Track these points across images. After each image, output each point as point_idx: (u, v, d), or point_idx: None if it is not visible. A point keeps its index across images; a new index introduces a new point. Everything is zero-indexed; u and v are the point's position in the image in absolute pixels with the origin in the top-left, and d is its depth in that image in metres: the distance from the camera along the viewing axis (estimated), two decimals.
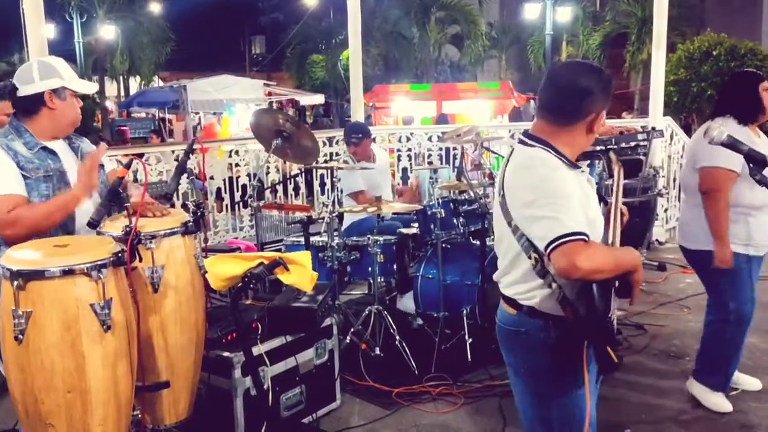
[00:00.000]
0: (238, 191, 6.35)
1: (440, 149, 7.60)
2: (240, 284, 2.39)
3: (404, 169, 7.96)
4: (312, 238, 4.45)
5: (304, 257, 2.48)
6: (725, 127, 3.17)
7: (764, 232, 3.27)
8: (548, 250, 1.79)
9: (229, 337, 3.08)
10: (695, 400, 3.54)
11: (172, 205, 3.05)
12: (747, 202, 3.21)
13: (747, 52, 12.39)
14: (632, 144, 6.39)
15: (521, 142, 2.04)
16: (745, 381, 3.69)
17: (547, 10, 19.79)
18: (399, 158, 7.80)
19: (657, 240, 7.06)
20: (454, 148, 6.82)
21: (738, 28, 17.63)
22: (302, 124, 4.55)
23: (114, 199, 2.36)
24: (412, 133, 7.81)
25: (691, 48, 12.75)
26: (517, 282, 2.01)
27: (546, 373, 1.99)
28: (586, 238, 1.79)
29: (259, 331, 3.14)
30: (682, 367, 4.04)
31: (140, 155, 5.48)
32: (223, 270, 2.41)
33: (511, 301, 2.04)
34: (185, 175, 2.94)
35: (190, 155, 3.03)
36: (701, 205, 3.29)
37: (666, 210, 7.21)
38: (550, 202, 1.84)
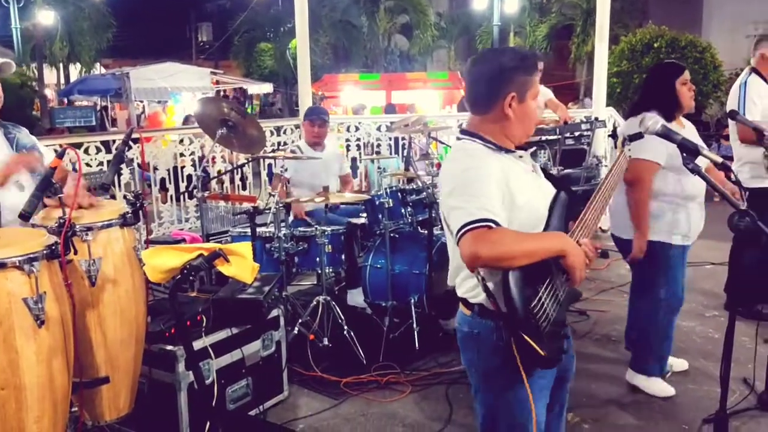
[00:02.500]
0: (183, 182, 6.23)
1: (389, 139, 7.62)
2: (179, 276, 2.33)
3: (353, 159, 7.95)
4: (259, 229, 4.40)
5: (245, 248, 2.44)
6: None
7: (692, 222, 3.34)
8: (457, 241, 1.78)
9: (172, 330, 3.02)
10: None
11: (113, 197, 2.97)
12: (675, 192, 3.27)
13: (687, 44, 12.78)
14: (576, 133, 6.59)
15: (456, 137, 2.06)
16: (673, 362, 3.81)
17: (495, 1, 19.97)
18: (348, 148, 7.79)
19: (600, 228, 7.23)
20: (403, 138, 6.84)
21: (679, 21, 18.14)
22: (248, 113, 4.48)
23: (46, 190, 2.28)
24: (360, 123, 7.81)
25: (633, 40, 13.08)
26: (465, 279, 1.99)
27: (496, 375, 1.96)
28: (492, 224, 1.75)
29: (204, 324, 3.10)
30: (622, 351, 4.14)
31: (79, 145, 5.32)
32: (162, 262, 2.35)
33: (464, 302, 2.02)
34: (125, 165, 2.85)
35: (129, 145, 2.94)
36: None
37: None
38: (463, 191, 1.82)
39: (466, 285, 1.99)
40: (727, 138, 10.61)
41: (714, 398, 2.65)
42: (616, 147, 2.34)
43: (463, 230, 1.76)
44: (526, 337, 1.75)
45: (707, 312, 4.66)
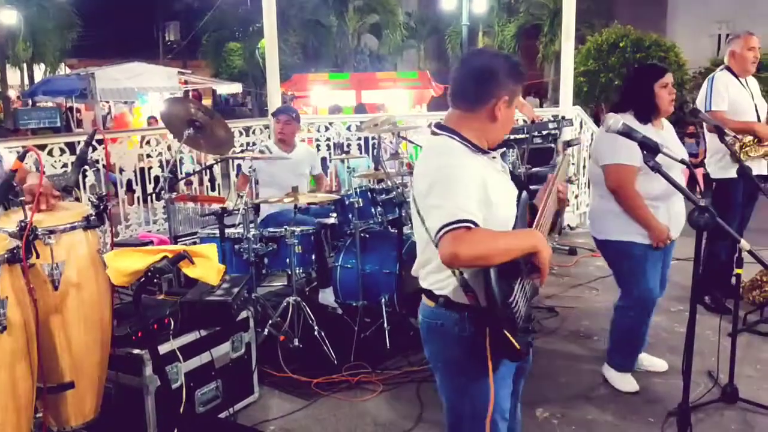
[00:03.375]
0: (150, 183, 6.15)
1: (359, 139, 7.62)
2: (143, 279, 2.30)
3: (323, 159, 7.93)
4: (227, 230, 4.37)
5: (210, 250, 2.42)
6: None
7: (665, 221, 3.34)
8: (436, 241, 1.81)
9: (138, 334, 2.98)
10: (603, 378, 3.70)
11: (77, 199, 2.92)
12: (646, 193, 3.28)
13: (652, 44, 13.00)
14: (544, 132, 6.66)
15: (432, 132, 2.06)
16: (651, 361, 3.87)
17: (464, 1, 20.07)
18: (318, 148, 7.78)
19: (568, 225, 7.32)
20: (373, 138, 6.84)
21: (644, 21, 18.46)
22: (215, 113, 4.43)
23: (7, 194, 2.23)
24: (331, 123, 7.79)
25: (599, 40, 13.27)
26: (431, 272, 2.02)
27: (460, 365, 2.00)
28: (471, 225, 1.79)
29: (172, 327, 3.06)
30: (590, 346, 4.22)
31: (43, 146, 5.22)
32: (125, 265, 2.32)
33: (428, 293, 2.04)
34: (89, 167, 2.81)
35: (94, 146, 2.90)
36: (607, 196, 3.37)
37: (577, 196, 7.48)
38: (442, 190, 1.85)
39: (432, 278, 2.02)
40: (691, 136, 10.84)
41: (680, 391, 2.70)
42: (557, 153, 2.44)
43: (442, 231, 1.79)
44: (506, 333, 1.79)
45: (673, 307, 4.74)
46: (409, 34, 25.52)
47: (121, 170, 5.85)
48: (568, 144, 2.51)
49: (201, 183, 6.42)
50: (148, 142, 6.14)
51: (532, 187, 6.15)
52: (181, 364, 3.06)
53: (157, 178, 6.08)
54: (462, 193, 1.84)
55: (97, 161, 5.27)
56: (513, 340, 1.80)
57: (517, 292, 1.87)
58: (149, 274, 2.30)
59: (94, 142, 2.98)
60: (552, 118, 6.84)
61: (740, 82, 4.53)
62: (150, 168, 6.22)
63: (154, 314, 3.07)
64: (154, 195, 5.86)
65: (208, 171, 6.46)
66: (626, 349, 3.64)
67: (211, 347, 3.25)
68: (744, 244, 2.02)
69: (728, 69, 4.57)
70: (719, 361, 3.55)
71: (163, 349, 2.99)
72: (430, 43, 26.57)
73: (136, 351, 2.93)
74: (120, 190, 5.94)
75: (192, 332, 3.17)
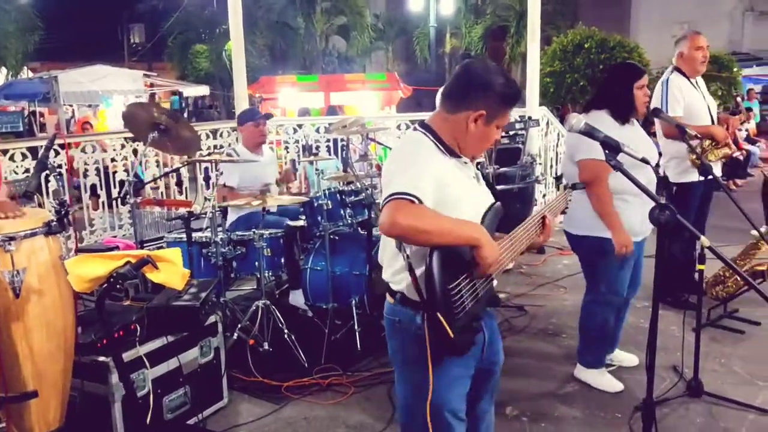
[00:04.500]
0: (115, 187, 6.05)
1: (328, 141, 7.60)
2: (106, 285, 2.26)
3: (293, 161, 7.90)
4: (195, 234, 4.32)
5: (174, 254, 2.39)
6: (599, 121, 3.34)
7: (638, 218, 3.33)
8: (381, 207, 1.86)
9: (104, 341, 2.93)
10: (572, 375, 3.74)
11: (40, 205, 2.86)
12: (622, 188, 3.28)
13: (616, 45, 13.18)
14: (511, 132, 6.71)
15: (414, 128, 2.12)
16: (623, 357, 3.92)
17: (431, 2, 20.19)
18: (287, 150, 7.74)
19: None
20: (342, 140, 6.83)
21: (608, 22, 18.76)
22: (180, 115, 4.38)
23: None
24: (300, 125, 7.77)
25: (564, 41, 13.41)
26: (390, 265, 2.05)
27: (415, 362, 2.00)
28: (416, 201, 1.82)
29: (138, 333, 3.02)
30: (559, 344, 4.26)
31: (4, 151, 5.10)
32: (87, 271, 2.28)
33: (389, 289, 2.07)
34: (50, 172, 2.75)
35: (56, 150, 2.84)
36: (583, 192, 3.38)
37: (544, 195, 7.56)
38: (400, 171, 1.90)
39: (390, 269, 2.05)
40: (655, 135, 11.03)
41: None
42: (558, 188, 2.45)
43: (387, 199, 1.84)
44: (439, 316, 1.80)
45: (638, 303, 4.81)
46: (377, 36, 25.53)
47: (85, 174, 5.74)
48: (574, 186, 2.50)
49: (168, 187, 6.32)
50: (113, 147, 6.04)
51: (499, 187, 6.27)
52: (148, 370, 3.02)
53: (122, 182, 5.99)
54: (416, 175, 1.88)
55: (60, 166, 5.17)
56: (446, 326, 1.81)
57: (462, 285, 1.89)
58: (112, 279, 2.26)
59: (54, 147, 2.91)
60: (519, 119, 6.90)
61: (691, 83, 4.59)
62: (115, 172, 6.12)
63: (119, 320, 3.03)
64: (119, 199, 5.77)
65: (174, 174, 6.37)
66: (596, 346, 3.68)
67: (179, 353, 3.22)
68: (704, 240, 2.06)
69: (678, 70, 4.62)
70: (684, 356, 3.61)
71: (130, 355, 2.95)
72: (398, 45, 26.61)
73: (102, 358, 2.88)
74: (84, 195, 5.83)
75: (159, 338, 3.13)
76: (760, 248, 4.68)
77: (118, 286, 2.27)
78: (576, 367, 3.75)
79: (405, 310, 2.00)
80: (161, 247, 4.37)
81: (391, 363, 2.17)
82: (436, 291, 1.81)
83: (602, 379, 3.65)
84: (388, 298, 2.09)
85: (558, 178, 2.44)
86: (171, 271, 2.35)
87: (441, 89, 2.12)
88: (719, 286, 4.72)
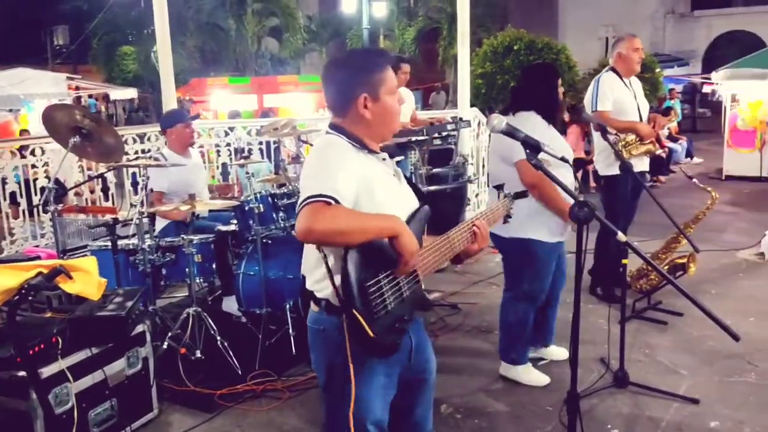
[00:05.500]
0: (36, 195, 5.81)
1: (260, 143, 7.51)
2: (17, 297, 2.16)
3: (224, 165, 7.76)
4: (121, 242, 4.19)
5: (90, 263, 2.31)
6: (529, 122, 3.40)
7: (559, 219, 3.43)
8: (296, 216, 1.79)
9: (30, 352, 2.80)
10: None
11: None
12: None
13: (544, 46, 13.49)
14: (443, 134, 6.79)
15: (326, 131, 2.05)
16: (554, 352, 4.00)
17: (364, 4, 20.21)
18: (218, 153, 7.61)
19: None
20: (275, 142, 6.76)
21: (537, 24, 19.23)
22: (103, 119, 4.24)
23: None
24: (231, 128, 7.65)
25: (495, 43, 13.64)
26: (313, 273, 1.98)
27: (341, 371, 1.93)
28: (331, 201, 1.76)
29: (60, 346, 2.90)
30: (492, 341, 4.32)
31: None
32: None
33: (313, 297, 2.00)
34: None
35: None
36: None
37: (477, 195, 7.67)
38: (314, 174, 1.85)
39: (313, 276, 1.99)
40: (585, 135, 11.35)
41: (578, 379, 2.81)
42: (499, 198, 2.46)
43: (302, 204, 1.78)
44: (356, 313, 1.74)
45: (569, 298, 4.92)
46: (310, 38, 25.40)
47: (4, 181, 5.49)
48: (517, 196, 2.50)
49: (92, 193, 6.11)
50: (33, 152, 5.81)
51: (432, 187, 6.32)
52: (72, 384, 2.91)
53: (43, 190, 5.75)
54: (331, 176, 1.82)
55: None
56: (365, 324, 1.75)
57: (383, 283, 1.83)
58: (23, 291, 2.16)
59: None
60: (450, 120, 6.98)
61: (624, 82, 4.79)
62: (36, 179, 5.88)
63: (40, 333, 2.91)
64: (40, 207, 5.55)
65: (99, 180, 6.16)
66: (518, 343, 3.73)
67: (105, 365, 3.12)
68: (621, 236, 2.12)
69: (613, 70, 4.81)
70: (610, 348, 3.73)
71: (52, 369, 2.84)
72: (332, 47, 26.54)
73: (21, 373, 2.76)
74: (3, 203, 5.57)
75: (83, 350, 3.02)
76: (680, 242, 4.88)
77: (29, 298, 2.16)
78: (501, 365, 3.80)
79: (329, 318, 1.93)
80: (86, 256, 4.22)
81: (316, 373, 2.10)
82: (352, 287, 1.76)
83: (528, 375, 3.72)
84: (313, 307, 2.02)
85: (498, 187, 2.44)
86: (86, 280, 2.26)
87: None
88: (643, 279, 4.90)
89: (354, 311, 1.75)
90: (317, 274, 1.95)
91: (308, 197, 1.77)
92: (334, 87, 1.98)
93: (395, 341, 1.88)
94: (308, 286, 2.01)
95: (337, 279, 1.81)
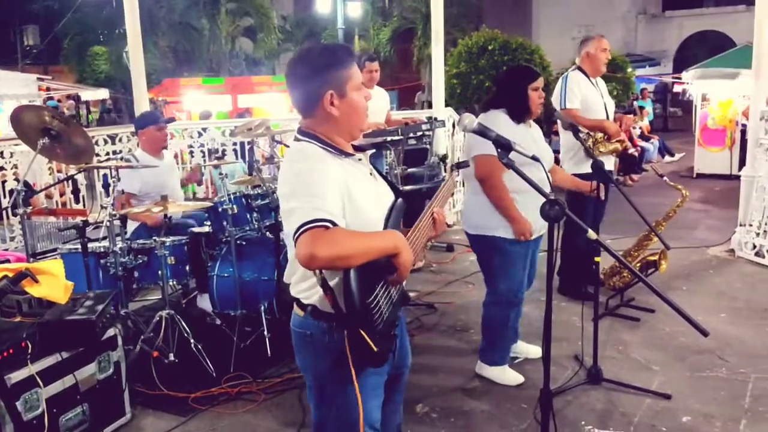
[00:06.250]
0: (5, 197, 5.71)
1: (234, 144, 7.46)
2: None
3: (198, 165, 7.70)
4: (92, 244, 4.12)
5: (56, 266, 2.27)
6: (497, 120, 3.44)
7: (533, 216, 3.41)
8: (294, 242, 1.75)
9: None
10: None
11: None
12: (516, 188, 3.40)
13: (518, 47, 13.55)
14: (418, 133, 6.81)
15: (294, 138, 2.00)
16: (528, 350, 4.03)
17: (338, 4, 20.20)
18: (192, 154, 7.55)
19: (446, 224, 7.51)
20: (249, 143, 6.72)
21: (511, 24, 19.36)
22: (72, 120, 4.18)
23: None
24: (205, 129, 7.59)
25: (469, 43, 13.67)
26: (299, 280, 1.96)
27: (329, 376, 1.94)
28: (329, 225, 1.73)
29: (29, 351, 2.85)
30: (467, 339, 4.35)
31: None
32: None
33: (298, 302, 1.98)
34: None
35: None
36: (480, 192, 3.49)
37: (452, 194, 7.70)
38: (301, 192, 1.79)
39: (300, 285, 1.96)
40: (557, 134, 11.45)
41: (551, 377, 2.83)
42: (445, 171, 2.46)
43: (300, 231, 1.73)
44: (362, 332, 1.75)
45: (542, 296, 4.96)
46: (285, 38, 25.30)
47: None
48: (458, 166, 2.49)
49: (62, 195, 6.01)
50: (1, 154, 5.70)
51: (407, 187, 6.33)
52: (42, 389, 2.86)
53: (12, 192, 5.66)
54: (320, 193, 1.78)
55: None
56: (369, 341, 1.77)
57: (379, 294, 1.84)
58: None
59: None
60: (426, 120, 6.99)
61: (591, 81, 4.84)
62: (4, 181, 5.78)
63: (9, 338, 2.86)
64: (9, 210, 5.45)
65: (69, 182, 6.07)
66: (499, 345, 3.75)
67: (75, 369, 3.07)
68: (591, 233, 2.13)
69: (580, 69, 4.86)
70: (584, 345, 3.76)
71: (21, 374, 2.79)
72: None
73: None
74: None
75: (52, 355, 2.97)
76: (652, 239, 4.94)
77: None
78: (477, 364, 3.82)
79: (318, 323, 1.92)
80: (52, 260, 4.15)
81: (303, 374, 2.09)
82: (356, 307, 1.75)
83: (504, 375, 3.74)
84: (297, 311, 2.00)
85: (458, 165, 2.45)
86: (52, 284, 2.23)
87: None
88: (616, 276, 4.95)
89: (360, 331, 1.76)
90: (304, 285, 1.94)
91: (306, 223, 1.72)
92: (299, 87, 1.94)
93: (390, 348, 1.92)
94: (293, 293, 1.99)
95: (338, 295, 1.79)
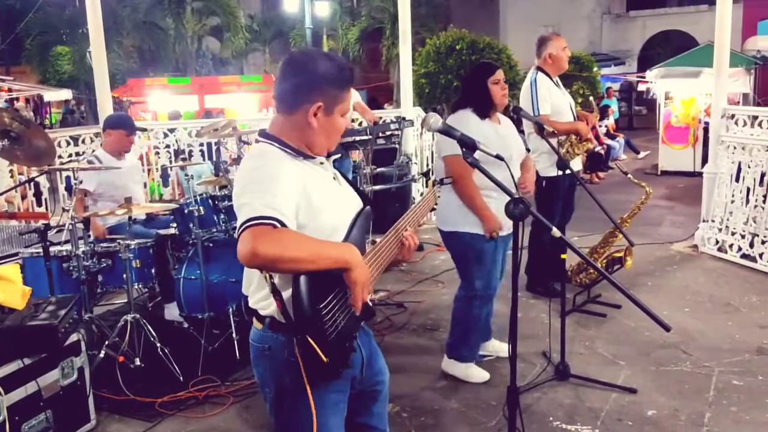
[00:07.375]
0: None
1: (201, 145, 7.39)
2: None
3: (164, 168, 7.60)
4: (54, 248, 4.04)
5: (13, 271, 2.22)
6: (465, 119, 3.47)
7: (501, 214, 3.43)
8: (237, 237, 1.66)
9: None
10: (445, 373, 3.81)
11: None
12: (483, 186, 3.40)
13: (485, 46, 13.65)
14: (387, 133, 6.82)
15: (255, 140, 1.95)
16: (498, 347, 4.04)
17: (306, 3, 20.10)
18: (158, 155, 7.44)
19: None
20: (216, 143, 6.65)
21: (478, 24, 19.48)
22: (33, 122, 4.09)
23: None
24: (171, 129, 7.49)
25: (437, 42, 13.73)
26: (256, 289, 1.89)
27: (289, 391, 1.85)
28: (277, 224, 1.65)
29: None
30: (437, 338, 4.36)
31: None
32: None
33: (256, 314, 1.91)
34: None
35: None
36: (451, 189, 3.49)
37: (421, 194, 7.71)
38: (252, 190, 1.72)
39: (257, 295, 1.89)
40: (524, 132, 11.56)
41: (520, 374, 2.85)
42: (426, 185, 2.46)
43: (244, 226, 1.64)
44: (309, 340, 1.67)
45: (510, 293, 5.01)
46: (252, 37, 25.12)
47: None
48: (441, 182, 2.48)
49: (24, 198, 5.88)
50: None
51: (376, 187, 6.32)
52: (3, 397, 2.80)
53: None
54: (272, 191, 1.71)
55: None
56: (318, 350, 1.67)
57: (333, 302, 1.75)
58: None
59: None
60: (394, 119, 7.01)
61: (554, 82, 4.88)
62: None
63: None
64: None
65: (32, 185, 5.93)
66: (470, 340, 3.76)
67: (38, 376, 3.01)
68: (555, 231, 2.15)
69: (540, 70, 4.87)
70: (552, 342, 3.79)
71: None
72: (275, 46, 26.29)
73: None
74: None
75: (13, 362, 2.91)
76: (618, 236, 5.00)
77: None
78: (444, 361, 3.82)
79: (275, 336, 1.84)
80: (18, 264, 4.06)
81: (261, 390, 1.97)
82: (305, 312, 1.66)
83: (470, 372, 3.75)
84: (256, 324, 1.91)
85: (425, 174, 2.46)
86: (9, 290, 2.17)
87: (273, 95, 1.94)
88: (582, 273, 5.00)
89: (308, 338, 1.67)
90: (260, 294, 1.87)
91: (250, 219, 1.64)
92: (293, 82, 1.85)
93: (346, 360, 1.81)
94: (251, 304, 1.92)
95: (287, 302, 1.71)
